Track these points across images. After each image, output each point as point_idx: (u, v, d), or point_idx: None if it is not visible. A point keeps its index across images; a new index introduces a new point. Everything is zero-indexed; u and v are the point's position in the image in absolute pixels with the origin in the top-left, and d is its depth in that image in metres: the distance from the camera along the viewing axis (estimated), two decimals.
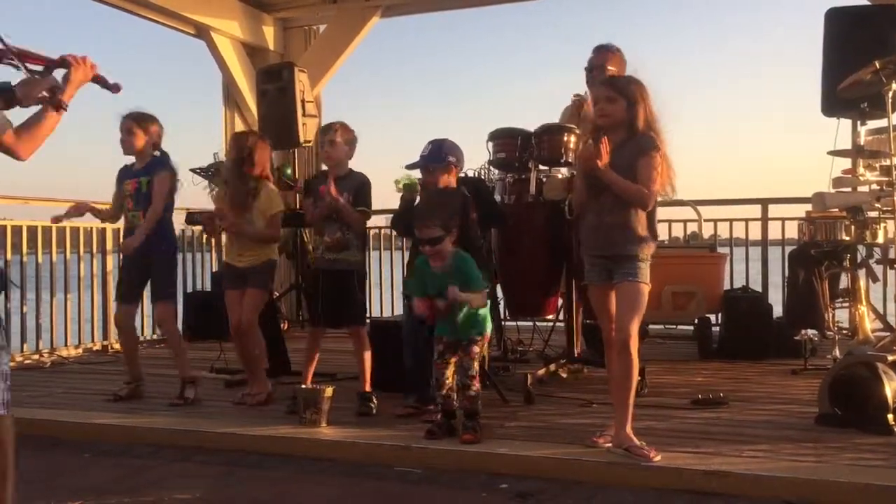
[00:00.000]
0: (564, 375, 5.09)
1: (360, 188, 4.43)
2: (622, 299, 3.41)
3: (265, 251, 4.70)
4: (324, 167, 4.80)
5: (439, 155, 4.25)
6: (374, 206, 4.62)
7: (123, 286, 4.90)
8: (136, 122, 4.69)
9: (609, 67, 5.00)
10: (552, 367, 4.98)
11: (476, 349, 3.80)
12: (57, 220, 5.10)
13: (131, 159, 4.81)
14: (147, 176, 4.70)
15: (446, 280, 3.72)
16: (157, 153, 4.78)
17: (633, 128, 3.42)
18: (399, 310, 6.70)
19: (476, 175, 5.09)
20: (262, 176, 4.65)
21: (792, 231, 6.56)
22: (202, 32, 7.80)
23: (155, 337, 7.20)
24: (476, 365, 3.81)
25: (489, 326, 3.93)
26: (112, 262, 7.04)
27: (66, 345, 6.68)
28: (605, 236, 3.45)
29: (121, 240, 6.61)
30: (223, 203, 4.70)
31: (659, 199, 3.50)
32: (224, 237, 5.17)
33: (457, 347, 3.78)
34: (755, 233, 6.85)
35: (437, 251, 3.75)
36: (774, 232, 6.80)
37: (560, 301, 5.22)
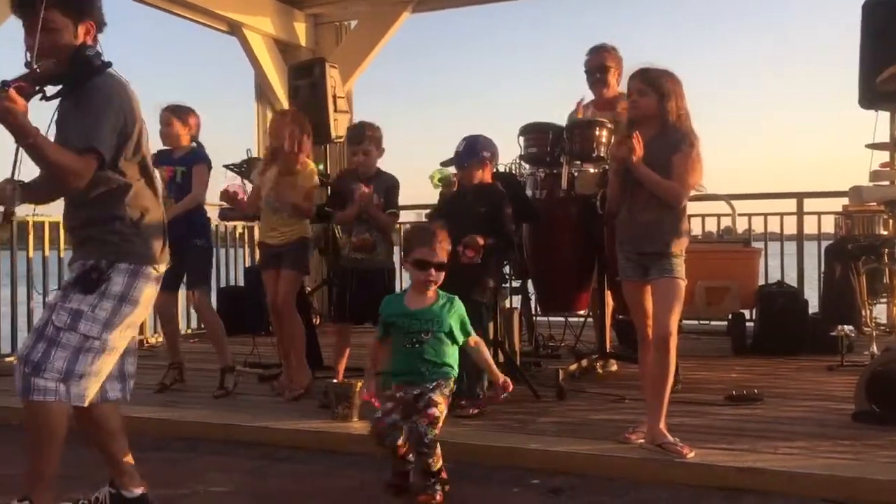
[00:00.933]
0: (601, 371, 5.07)
1: (389, 190, 4.48)
2: (660, 296, 3.38)
3: (298, 228, 4.70)
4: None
5: (475, 150, 4.27)
6: (404, 202, 4.64)
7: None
8: (175, 114, 4.80)
9: (610, 66, 5.03)
10: (584, 362, 4.96)
11: (436, 412, 3.03)
12: None
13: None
14: (183, 166, 4.80)
15: (433, 317, 3.18)
16: (194, 144, 4.88)
17: (665, 122, 3.39)
18: None
19: (507, 170, 5.08)
20: (302, 153, 4.64)
21: (828, 225, 6.48)
22: (235, 29, 7.87)
23: (190, 331, 7.28)
24: (436, 430, 3.05)
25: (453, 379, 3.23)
26: None
27: None
28: (638, 233, 3.43)
29: None
30: (264, 182, 4.72)
31: (691, 193, 3.47)
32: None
33: (411, 410, 3.11)
34: (790, 227, 6.77)
35: (440, 278, 3.24)
36: (810, 226, 6.71)
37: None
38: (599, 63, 5.09)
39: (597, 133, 4.75)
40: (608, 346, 5.01)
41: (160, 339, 6.97)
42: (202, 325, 5.80)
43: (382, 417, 3.13)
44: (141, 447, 2.98)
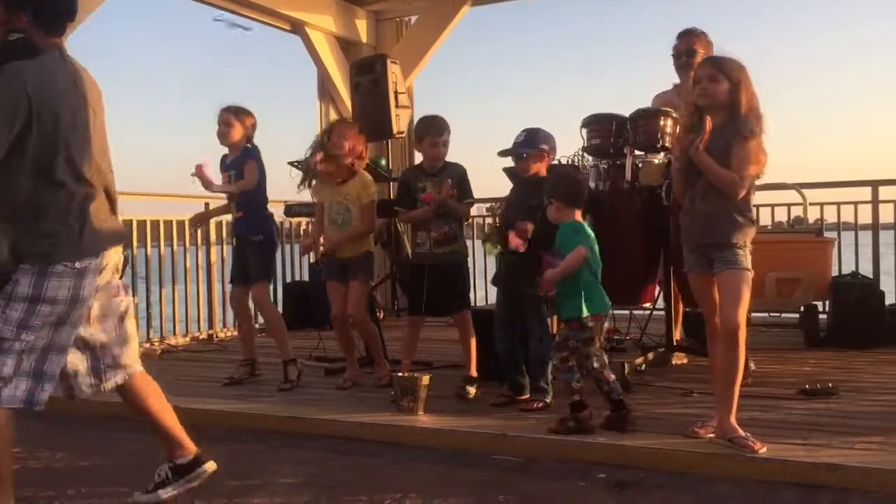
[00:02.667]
0: (678, 362, 5.02)
1: (462, 179, 4.51)
2: (725, 289, 3.31)
3: (363, 243, 4.84)
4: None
5: (533, 142, 4.24)
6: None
7: (233, 268, 5.16)
8: (235, 115, 4.90)
9: (699, 50, 4.90)
10: (650, 355, 4.89)
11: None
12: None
13: (226, 150, 5.00)
14: (234, 169, 4.90)
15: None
16: (248, 145, 4.96)
17: (735, 111, 3.31)
18: (492, 298, 6.69)
19: (570, 162, 5.04)
20: (352, 162, 4.72)
21: None
22: (297, 28, 7.98)
23: (258, 325, 7.42)
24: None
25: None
26: (216, 253, 7.29)
27: (174, 334, 6.96)
28: (699, 224, 3.36)
29: (224, 233, 6.90)
30: (320, 196, 4.82)
31: (758, 182, 3.38)
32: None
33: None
34: (865, 216, 6.55)
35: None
36: (886, 215, 6.48)
37: (658, 289, 5.13)
38: (687, 47, 4.95)
39: (661, 123, 4.67)
40: (675, 339, 4.92)
41: (229, 334, 7.14)
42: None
43: None
44: (212, 439, 3.06)
